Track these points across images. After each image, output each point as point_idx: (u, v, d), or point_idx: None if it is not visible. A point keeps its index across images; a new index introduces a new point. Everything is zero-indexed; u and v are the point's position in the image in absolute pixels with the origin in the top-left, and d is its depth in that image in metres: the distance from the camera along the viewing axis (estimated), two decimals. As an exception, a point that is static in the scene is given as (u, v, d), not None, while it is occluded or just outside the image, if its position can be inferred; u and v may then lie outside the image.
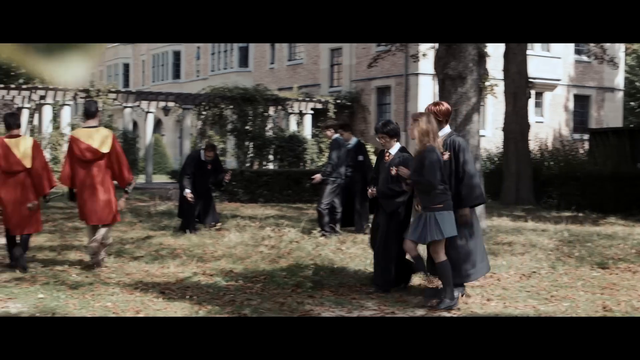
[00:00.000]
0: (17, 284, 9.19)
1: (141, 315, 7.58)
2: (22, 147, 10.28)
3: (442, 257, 8.32)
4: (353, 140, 15.13)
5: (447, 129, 8.78)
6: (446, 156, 8.54)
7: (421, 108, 34.28)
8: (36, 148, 10.46)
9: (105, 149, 10.44)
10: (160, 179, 39.06)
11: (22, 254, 10.30)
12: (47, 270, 10.17)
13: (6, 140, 10.28)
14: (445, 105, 8.84)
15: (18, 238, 10.46)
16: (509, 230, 15.22)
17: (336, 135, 14.52)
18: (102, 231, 10.47)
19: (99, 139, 10.46)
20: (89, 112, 10.66)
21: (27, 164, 10.25)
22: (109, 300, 8.21)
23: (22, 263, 10.18)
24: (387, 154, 9.36)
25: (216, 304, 8.23)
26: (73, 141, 10.51)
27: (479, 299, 8.70)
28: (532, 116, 30.01)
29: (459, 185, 8.53)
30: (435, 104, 8.97)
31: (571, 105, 39.92)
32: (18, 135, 10.42)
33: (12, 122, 10.53)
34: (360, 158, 15.01)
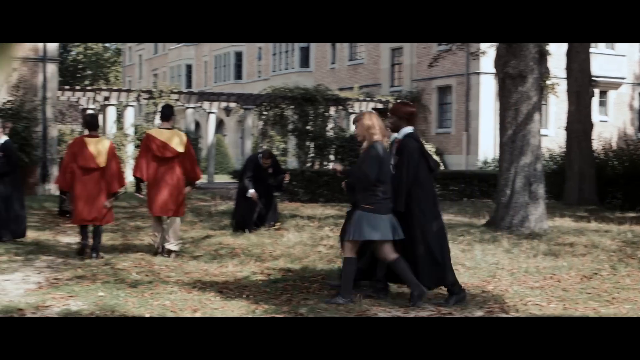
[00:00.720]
0: (78, 282, 9.34)
1: (198, 314, 7.64)
2: (99, 147, 11.42)
3: (349, 254, 8.30)
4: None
5: (406, 129, 8.57)
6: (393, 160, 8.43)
7: (483, 107, 34.05)
8: (112, 150, 11.60)
9: (181, 149, 11.49)
10: (222, 179, 39.34)
11: (98, 243, 11.51)
12: (108, 268, 10.34)
13: (85, 139, 11.51)
14: (407, 106, 8.74)
15: (90, 229, 11.58)
16: (570, 230, 15.00)
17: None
18: (174, 223, 11.67)
19: (176, 139, 11.55)
20: (164, 115, 11.88)
21: (101, 163, 11.35)
22: (167, 298, 8.30)
23: (97, 249, 11.45)
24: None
25: (273, 303, 8.26)
26: (150, 139, 11.55)
27: (538, 300, 8.59)
28: (595, 115, 29.58)
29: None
30: (398, 103, 8.95)
31: (636, 103, 39.18)
32: (97, 136, 11.59)
33: (94, 123, 11.89)
34: None
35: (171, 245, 11.47)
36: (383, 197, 8.14)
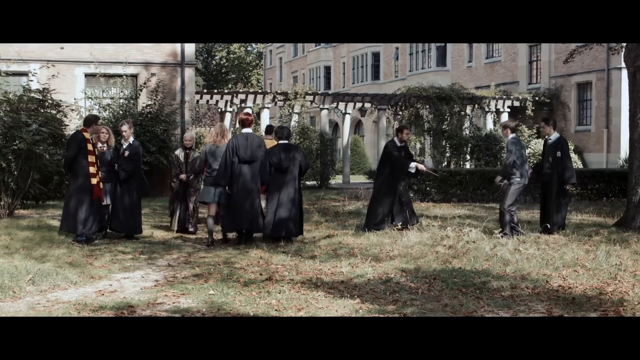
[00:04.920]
0: (193, 280, 9.58)
1: (302, 313, 7.69)
2: None
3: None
4: (554, 135, 14.53)
5: (244, 130, 13.11)
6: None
7: (624, 103, 32.85)
8: None
9: None
10: (358, 179, 39.48)
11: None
12: (224, 267, 10.55)
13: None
14: (240, 115, 13.45)
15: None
16: None
17: (513, 135, 13.96)
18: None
19: None
20: (268, 130, 16.17)
21: None
22: (275, 297, 8.39)
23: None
24: None
25: (379, 303, 8.23)
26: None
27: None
28: None
29: None
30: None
31: None
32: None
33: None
34: (558, 154, 14.33)
35: None
36: (210, 175, 13.29)
